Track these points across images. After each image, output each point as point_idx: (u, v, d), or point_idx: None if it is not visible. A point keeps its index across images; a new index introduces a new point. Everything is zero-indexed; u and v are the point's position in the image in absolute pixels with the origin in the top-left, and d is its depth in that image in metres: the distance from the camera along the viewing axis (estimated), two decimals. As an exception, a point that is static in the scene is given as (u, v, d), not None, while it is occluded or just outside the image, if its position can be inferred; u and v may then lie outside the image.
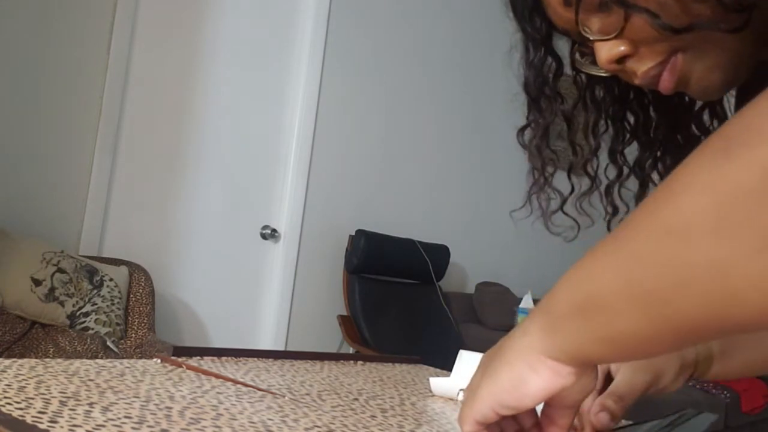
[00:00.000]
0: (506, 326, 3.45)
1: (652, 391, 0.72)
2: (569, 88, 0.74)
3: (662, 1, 0.57)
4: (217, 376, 0.79)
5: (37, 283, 2.28)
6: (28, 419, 0.51)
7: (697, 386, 3.22)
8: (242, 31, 3.10)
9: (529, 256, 4.07)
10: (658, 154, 0.75)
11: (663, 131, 0.75)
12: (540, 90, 0.72)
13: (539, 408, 0.52)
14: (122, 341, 2.42)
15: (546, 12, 0.66)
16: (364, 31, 3.48)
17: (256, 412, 0.65)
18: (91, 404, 0.58)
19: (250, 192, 3.17)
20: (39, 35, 2.55)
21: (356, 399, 0.79)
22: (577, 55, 0.68)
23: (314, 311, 3.33)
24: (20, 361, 0.69)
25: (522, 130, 0.75)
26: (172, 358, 0.85)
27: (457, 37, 3.85)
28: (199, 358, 0.89)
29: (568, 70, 0.72)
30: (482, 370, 0.51)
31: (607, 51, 0.61)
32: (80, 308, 2.35)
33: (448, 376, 0.93)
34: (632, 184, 0.76)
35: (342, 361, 1.05)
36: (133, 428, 0.53)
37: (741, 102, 0.72)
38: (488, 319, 3.63)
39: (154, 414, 0.58)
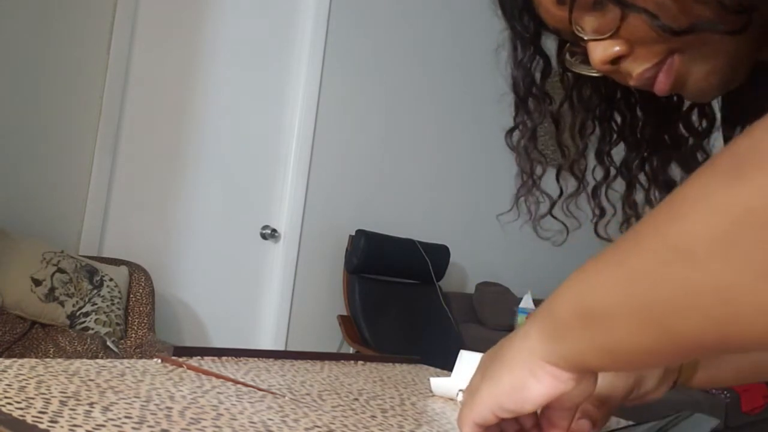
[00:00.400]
0: (506, 326, 3.45)
1: (633, 396, 0.70)
2: (557, 89, 0.73)
3: (661, 1, 0.55)
4: (218, 376, 0.79)
5: (37, 283, 2.28)
6: (29, 419, 0.51)
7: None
8: (242, 31, 3.10)
9: (530, 256, 4.07)
10: (645, 154, 0.74)
11: (650, 131, 0.74)
12: (528, 90, 0.71)
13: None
14: (122, 341, 2.42)
15: (536, 10, 0.64)
16: (364, 31, 3.48)
17: (257, 412, 0.65)
18: (91, 404, 0.58)
19: (250, 192, 3.17)
20: (39, 35, 2.55)
21: (356, 399, 0.79)
22: (567, 55, 0.66)
23: (314, 311, 3.33)
24: (20, 361, 0.70)
25: (510, 131, 0.74)
26: (173, 358, 0.85)
27: (457, 37, 3.85)
28: (199, 358, 0.89)
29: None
30: (482, 371, 0.51)
31: (602, 51, 0.60)
32: (80, 308, 2.35)
33: (449, 376, 0.93)
34: (619, 185, 0.75)
35: (342, 361, 1.05)
36: (134, 428, 0.53)
37: (728, 101, 0.71)
38: (488, 319, 3.63)
39: (155, 414, 0.58)
